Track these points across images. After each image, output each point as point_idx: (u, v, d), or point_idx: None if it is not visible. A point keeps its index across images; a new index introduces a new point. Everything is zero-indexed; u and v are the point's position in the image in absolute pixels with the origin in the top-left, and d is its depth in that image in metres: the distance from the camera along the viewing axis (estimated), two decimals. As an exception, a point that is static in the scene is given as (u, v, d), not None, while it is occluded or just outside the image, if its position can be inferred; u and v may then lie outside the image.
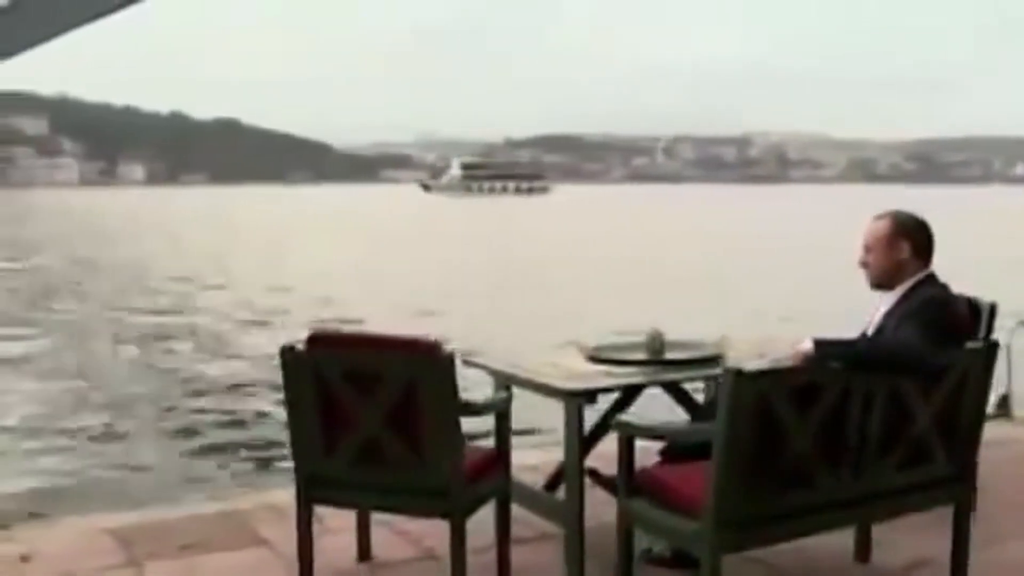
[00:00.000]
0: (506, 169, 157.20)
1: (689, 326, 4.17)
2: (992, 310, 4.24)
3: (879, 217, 3.47)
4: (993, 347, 3.33)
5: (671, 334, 3.97)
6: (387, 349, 3.36)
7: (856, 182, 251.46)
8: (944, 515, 3.49)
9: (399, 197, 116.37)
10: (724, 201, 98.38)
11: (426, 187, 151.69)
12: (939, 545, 3.55)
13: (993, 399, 6.42)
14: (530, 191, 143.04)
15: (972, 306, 4.26)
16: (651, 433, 3.35)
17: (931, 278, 3.40)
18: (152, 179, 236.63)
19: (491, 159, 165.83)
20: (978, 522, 4.26)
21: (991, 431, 5.92)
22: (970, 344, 3.31)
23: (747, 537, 3.01)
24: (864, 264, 3.47)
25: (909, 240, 3.40)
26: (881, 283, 3.44)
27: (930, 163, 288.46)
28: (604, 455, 3.72)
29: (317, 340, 3.40)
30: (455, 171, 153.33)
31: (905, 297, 3.36)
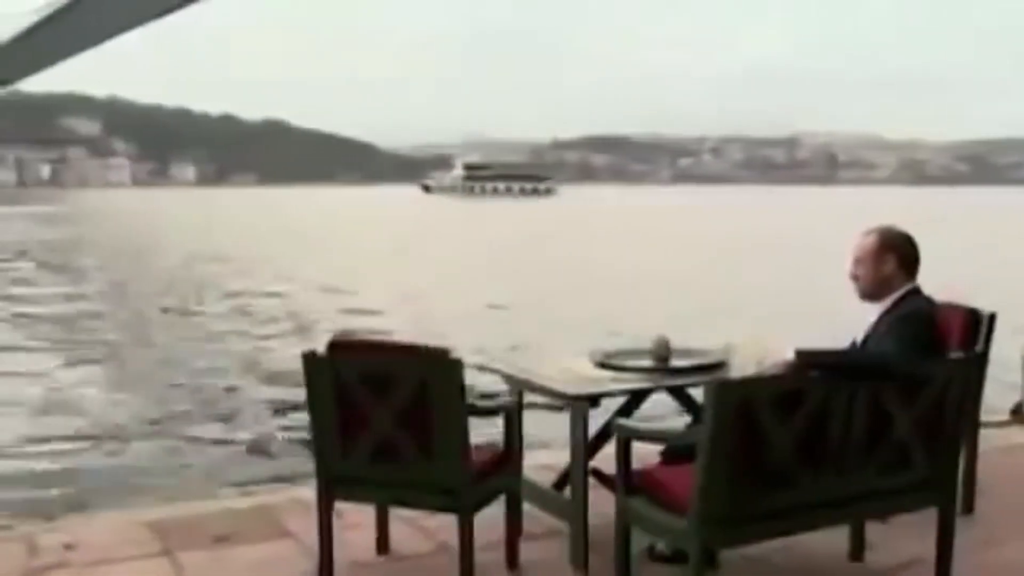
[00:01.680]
0: (510, 170, 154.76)
1: (678, 333, 4.34)
2: (991, 320, 4.40)
3: (868, 232, 3.64)
4: (974, 358, 3.49)
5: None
6: (400, 354, 3.60)
7: (907, 183, 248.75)
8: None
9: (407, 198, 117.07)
10: (753, 202, 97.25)
11: (426, 188, 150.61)
12: (932, 546, 3.67)
13: (1009, 405, 6.57)
14: (535, 192, 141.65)
15: (972, 316, 4.43)
16: (644, 436, 3.55)
17: (916, 291, 3.57)
18: (202, 180, 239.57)
19: (495, 160, 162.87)
20: (976, 524, 4.43)
21: (1004, 436, 6.11)
22: (953, 355, 3.47)
23: (732, 534, 3.20)
24: (854, 277, 3.65)
25: (895, 254, 3.57)
26: (869, 295, 3.62)
27: (983, 164, 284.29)
28: (613, 456, 3.91)
29: (337, 346, 3.64)
30: (458, 172, 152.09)
31: (892, 309, 3.53)
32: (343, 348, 3.66)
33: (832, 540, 3.92)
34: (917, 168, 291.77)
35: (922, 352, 3.33)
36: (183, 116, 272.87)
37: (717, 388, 3.02)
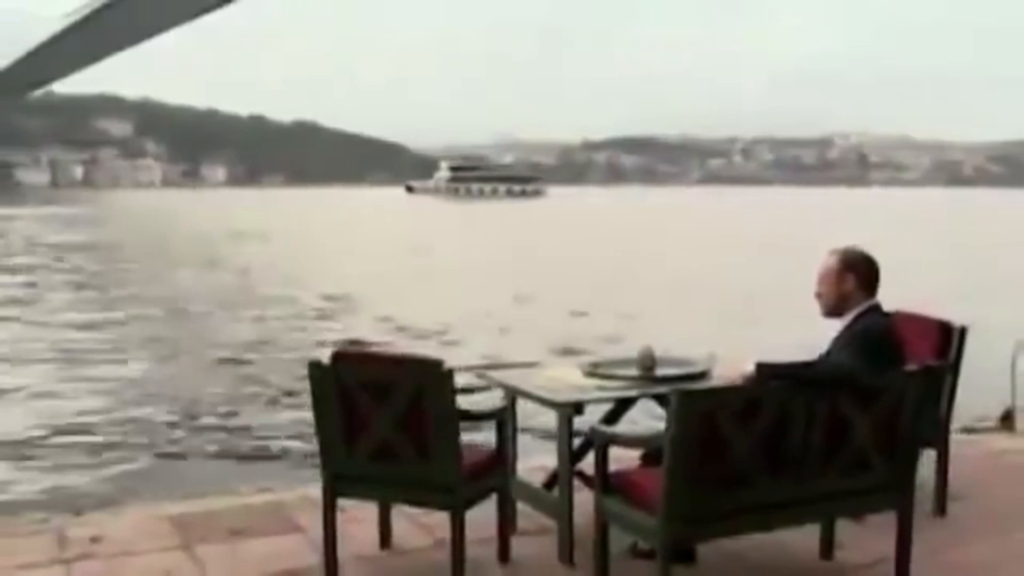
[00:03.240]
0: (497, 171, 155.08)
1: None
2: (962, 333, 4.67)
3: (831, 253, 3.92)
4: (929, 370, 3.76)
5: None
6: (397, 364, 3.91)
7: (939, 185, 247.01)
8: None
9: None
10: (773, 202, 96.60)
11: (409, 188, 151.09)
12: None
13: (999, 413, 6.81)
14: (523, 193, 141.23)
15: (943, 329, 4.69)
16: (619, 440, 3.82)
17: (875, 308, 3.83)
18: (233, 181, 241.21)
19: (481, 160, 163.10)
20: (947, 526, 4.69)
21: (992, 442, 6.35)
22: (908, 367, 3.73)
23: (696, 532, 3.50)
24: (818, 295, 3.92)
25: (855, 273, 3.84)
26: (831, 311, 3.88)
27: (1018, 165, 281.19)
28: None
29: (340, 356, 3.96)
30: (443, 173, 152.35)
31: (851, 324, 3.80)
32: (346, 358, 3.97)
33: (805, 538, 4.18)
34: (949, 169, 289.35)
35: (875, 364, 3.59)
36: (213, 117, 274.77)
37: (681, 396, 3.30)
